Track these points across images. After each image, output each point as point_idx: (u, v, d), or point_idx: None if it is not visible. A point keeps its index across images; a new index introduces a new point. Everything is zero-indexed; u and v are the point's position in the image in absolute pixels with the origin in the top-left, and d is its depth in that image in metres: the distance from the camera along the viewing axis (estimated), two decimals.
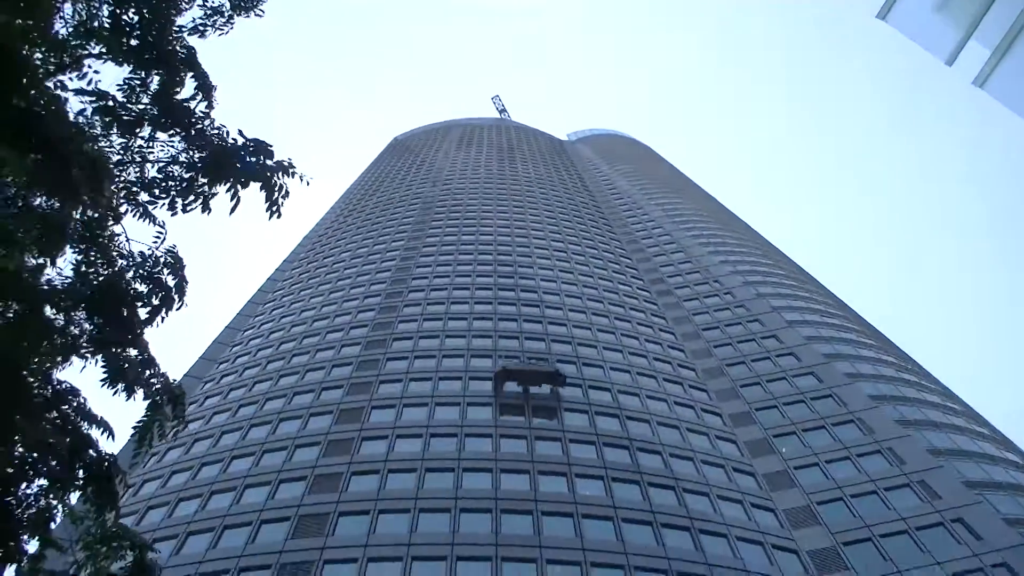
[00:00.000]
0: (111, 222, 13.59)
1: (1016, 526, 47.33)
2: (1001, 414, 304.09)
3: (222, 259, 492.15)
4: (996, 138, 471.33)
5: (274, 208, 13.66)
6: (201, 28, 14.52)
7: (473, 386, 61.12)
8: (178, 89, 13.83)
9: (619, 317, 77.44)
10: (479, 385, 61.32)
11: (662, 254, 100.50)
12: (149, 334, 13.70)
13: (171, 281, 13.83)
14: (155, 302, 13.64)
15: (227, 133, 13.94)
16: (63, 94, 13.30)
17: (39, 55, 13.10)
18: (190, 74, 13.89)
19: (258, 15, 14.85)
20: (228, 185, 13.66)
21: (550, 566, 43.18)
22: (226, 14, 14.58)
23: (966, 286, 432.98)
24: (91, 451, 12.57)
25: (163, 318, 13.69)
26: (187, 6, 14.17)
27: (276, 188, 13.64)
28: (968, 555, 44.82)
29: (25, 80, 11.64)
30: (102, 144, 13.63)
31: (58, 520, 12.72)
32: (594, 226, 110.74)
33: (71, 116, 13.10)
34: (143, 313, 13.59)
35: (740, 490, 52.20)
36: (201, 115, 13.89)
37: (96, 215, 13.16)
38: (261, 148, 13.81)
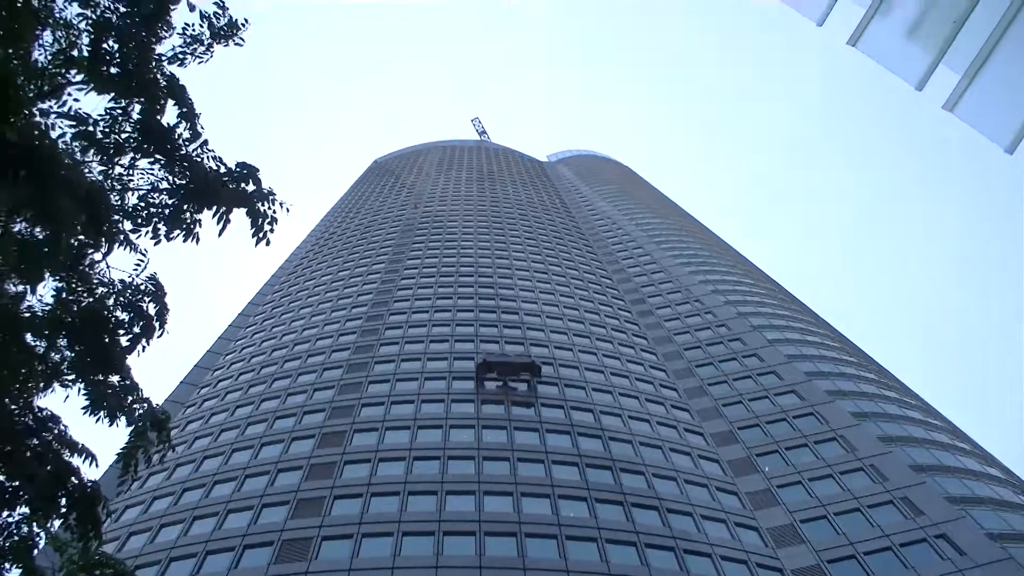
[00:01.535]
0: (92, 251, 13.59)
1: (999, 541, 47.56)
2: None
3: (203, 283, 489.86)
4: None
5: (261, 235, 13.68)
6: (181, 56, 14.55)
7: (455, 408, 61.03)
8: (160, 117, 13.86)
9: (600, 338, 77.61)
10: (461, 408, 61.27)
11: (643, 274, 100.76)
12: (132, 360, 13.68)
13: (152, 309, 13.83)
14: (136, 330, 13.64)
15: (212, 157, 13.97)
16: (45, 120, 13.33)
17: (19, 82, 13.08)
18: (172, 102, 13.92)
19: (238, 44, 14.90)
20: (215, 212, 13.68)
21: None
22: (206, 43, 14.64)
23: (950, 293, 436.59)
24: (73, 478, 12.53)
25: (144, 346, 13.69)
26: (167, 35, 14.18)
27: (261, 215, 13.67)
28: (952, 570, 44.94)
29: (12, 108, 11.65)
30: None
31: (40, 547, 12.66)
32: (575, 247, 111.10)
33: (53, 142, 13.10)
34: (124, 341, 13.57)
35: (724, 509, 52.23)
36: (186, 140, 13.91)
37: (78, 242, 13.15)
38: (248, 172, 13.81)
